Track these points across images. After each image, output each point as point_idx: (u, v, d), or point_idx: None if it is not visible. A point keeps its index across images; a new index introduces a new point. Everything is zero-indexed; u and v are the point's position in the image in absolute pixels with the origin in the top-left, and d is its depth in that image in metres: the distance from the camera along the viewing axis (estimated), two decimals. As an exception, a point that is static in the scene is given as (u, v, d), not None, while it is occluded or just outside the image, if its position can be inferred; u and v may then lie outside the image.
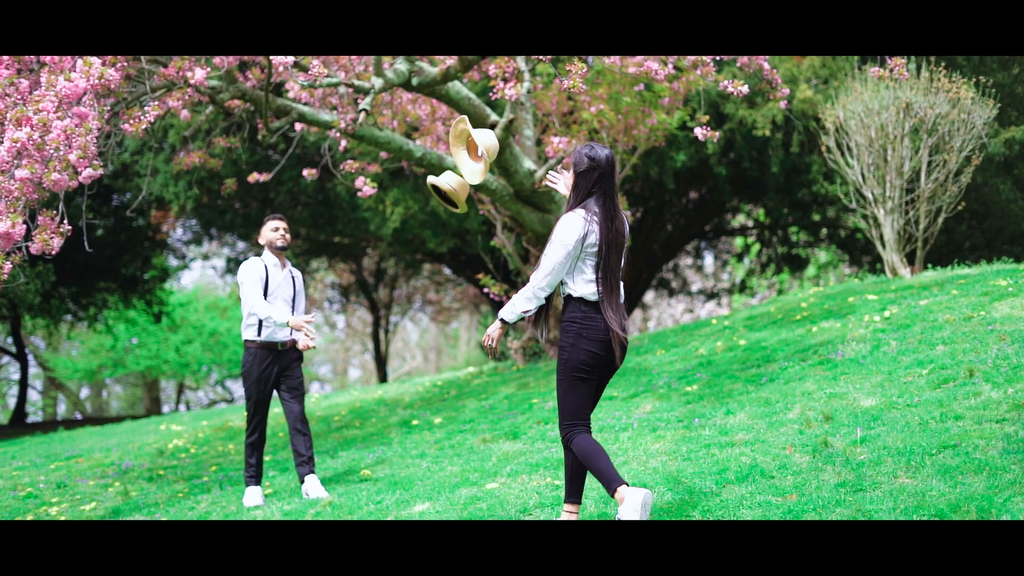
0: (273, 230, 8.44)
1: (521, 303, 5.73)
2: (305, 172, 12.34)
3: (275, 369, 8.36)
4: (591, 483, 6.93)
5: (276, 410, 13.60)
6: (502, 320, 5.82)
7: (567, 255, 5.64)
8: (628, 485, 5.64)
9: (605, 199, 5.72)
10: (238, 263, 27.20)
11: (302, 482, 8.29)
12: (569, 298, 5.76)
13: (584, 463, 5.68)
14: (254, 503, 8.25)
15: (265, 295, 8.29)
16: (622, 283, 5.87)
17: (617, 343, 5.69)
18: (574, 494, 5.81)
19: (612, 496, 5.54)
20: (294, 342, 8.45)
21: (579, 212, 5.69)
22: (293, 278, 8.49)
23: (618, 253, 5.76)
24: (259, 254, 8.54)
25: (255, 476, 8.41)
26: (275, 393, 8.60)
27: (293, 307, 8.47)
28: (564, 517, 5.81)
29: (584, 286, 5.70)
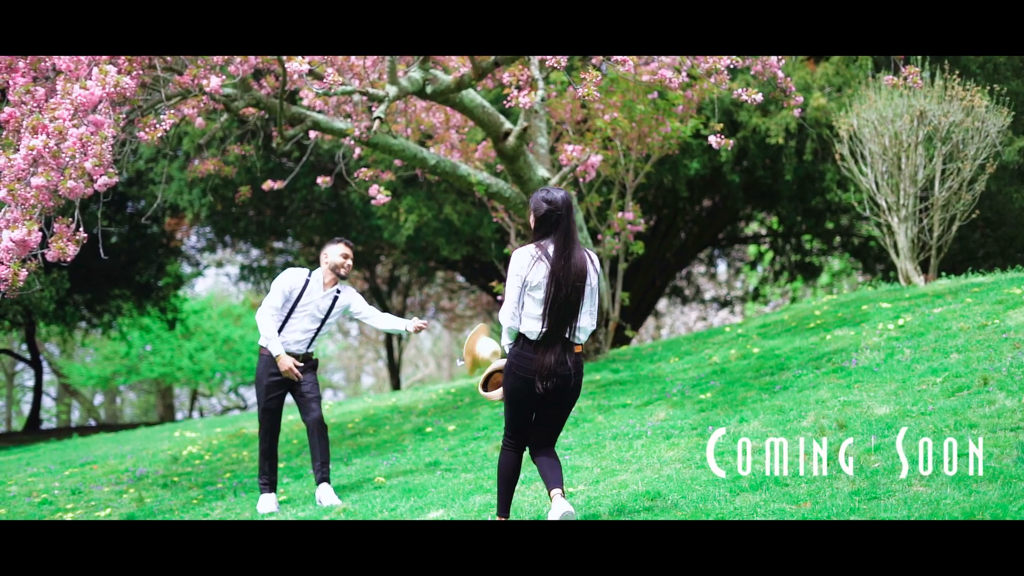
0: (343, 256, 8.34)
1: (503, 337, 6.00)
2: (319, 180, 12.36)
3: (287, 378, 8.36)
4: (603, 491, 6.94)
5: (290, 417, 13.62)
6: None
7: (519, 287, 5.86)
8: (506, 520, 6.16)
9: (562, 238, 5.88)
10: (252, 270, 27.25)
11: (318, 485, 8.29)
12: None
13: (497, 476, 6.15)
14: (268, 510, 8.26)
15: (294, 308, 8.26)
16: (587, 320, 5.98)
17: (549, 381, 5.88)
18: (554, 482, 5.97)
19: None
20: (309, 354, 8.46)
21: (528, 248, 5.91)
22: (335, 298, 8.42)
23: (576, 290, 5.87)
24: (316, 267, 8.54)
25: (269, 483, 8.41)
26: (292, 399, 8.59)
27: (322, 324, 8.43)
28: (554, 502, 5.87)
29: (526, 322, 5.89)
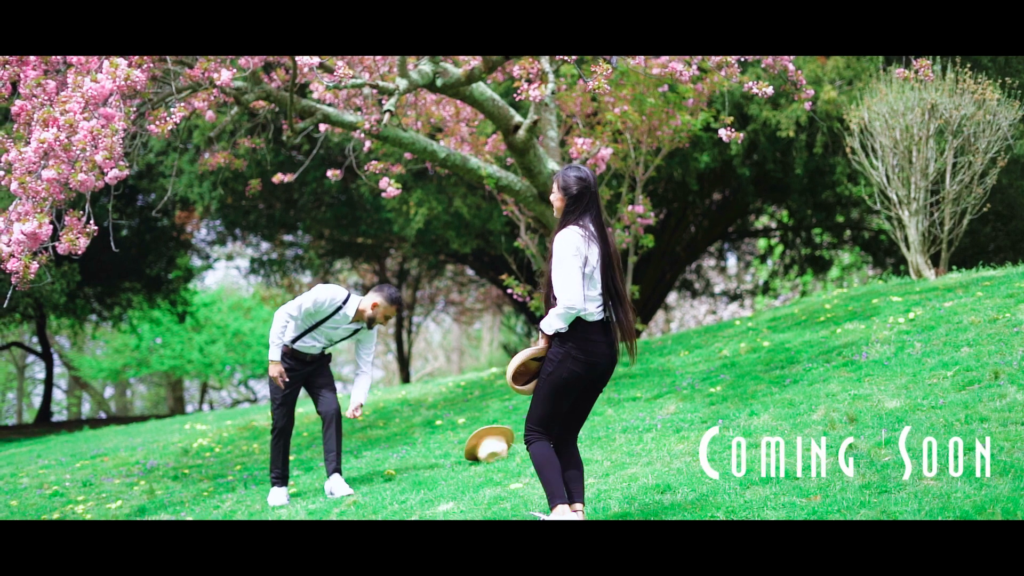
0: (385, 316, 8.26)
1: (555, 321, 5.65)
2: (329, 173, 12.36)
3: (301, 373, 8.38)
4: (612, 484, 6.94)
5: (301, 410, 13.65)
6: (541, 331, 5.81)
7: (578, 266, 5.61)
8: (569, 505, 5.73)
9: (598, 217, 5.77)
10: (262, 263, 27.31)
11: (329, 476, 8.30)
12: None
13: (536, 470, 5.77)
14: (279, 502, 8.27)
15: (316, 326, 8.26)
16: (627, 298, 5.85)
17: (609, 364, 5.73)
18: (578, 495, 5.83)
19: (550, 508, 5.66)
20: (322, 354, 8.48)
21: (573, 228, 5.71)
22: (355, 331, 8.39)
23: (618, 269, 5.79)
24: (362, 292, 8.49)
25: (281, 476, 8.43)
26: (306, 392, 8.63)
27: (327, 348, 8.45)
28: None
29: (585, 304, 5.68)
